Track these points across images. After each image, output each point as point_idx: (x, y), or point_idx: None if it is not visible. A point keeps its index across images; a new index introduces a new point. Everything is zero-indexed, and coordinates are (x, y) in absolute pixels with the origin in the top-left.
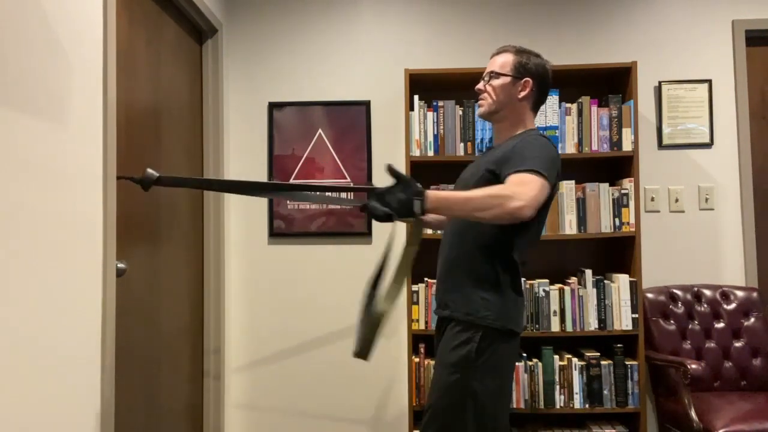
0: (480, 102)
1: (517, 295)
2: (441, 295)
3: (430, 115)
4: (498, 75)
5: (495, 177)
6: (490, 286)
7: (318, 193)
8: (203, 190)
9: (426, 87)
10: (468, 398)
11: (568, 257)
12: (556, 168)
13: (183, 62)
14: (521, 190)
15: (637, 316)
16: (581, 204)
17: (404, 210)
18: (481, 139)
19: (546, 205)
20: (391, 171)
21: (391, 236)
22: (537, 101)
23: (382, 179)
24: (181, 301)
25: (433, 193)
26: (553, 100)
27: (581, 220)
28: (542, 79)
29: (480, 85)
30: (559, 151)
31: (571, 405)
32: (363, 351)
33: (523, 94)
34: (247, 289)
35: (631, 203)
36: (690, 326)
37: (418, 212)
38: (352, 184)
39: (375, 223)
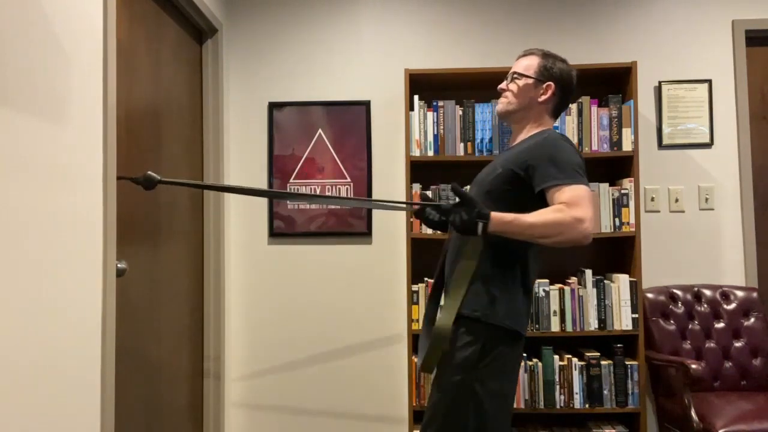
0: (501, 100)
1: (526, 296)
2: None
3: (430, 115)
4: (521, 76)
5: (516, 177)
6: (499, 285)
7: (378, 201)
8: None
9: (426, 87)
10: (469, 400)
11: (568, 257)
12: (584, 165)
13: (183, 62)
14: (579, 213)
15: (637, 316)
16: None
17: (467, 229)
18: (481, 139)
19: None
20: (456, 191)
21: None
22: (557, 106)
23: (382, 179)
24: (181, 301)
25: (497, 217)
26: None
27: None
28: (565, 85)
29: (503, 85)
30: None
31: (571, 405)
32: (427, 365)
33: (544, 97)
34: (247, 289)
35: (631, 203)
36: (690, 326)
37: (480, 233)
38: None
39: (375, 224)
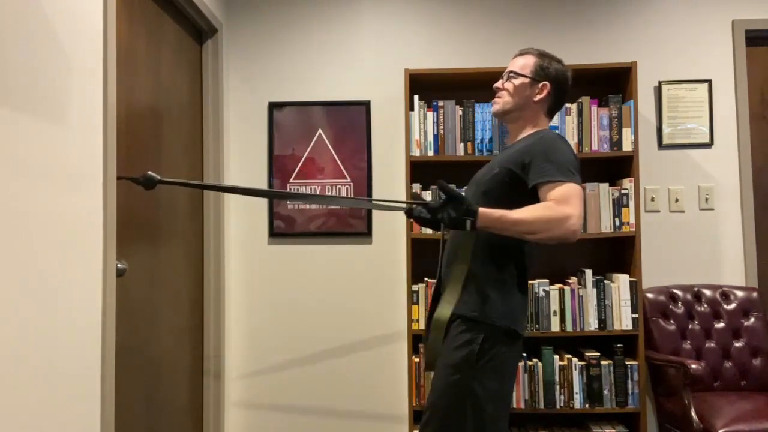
0: (495, 99)
1: (522, 295)
2: None
3: (430, 115)
4: (517, 75)
5: (514, 176)
6: (495, 284)
7: (365, 200)
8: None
9: (426, 87)
10: (467, 399)
11: (568, 257)
12: (578, 165)
13: (183, 62)
14: (568, 210)
15: (637, 316)
16: None
17: (455, 226)
18: (481, 139)
19: None
20: (443, 188)
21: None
22: (553, 106)
23: (382, 179)
24: (181, 301)
25: (484, 213)
26: None
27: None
28: (560, 85)
29: (498, 83)
30: None
31: (571, 405)
32: (430, 360)
33: (539, 97)
34: (247, 289)
35: (631, 203)
36: (690, 326)
37: (468, 230)
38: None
39: (375, 224)
